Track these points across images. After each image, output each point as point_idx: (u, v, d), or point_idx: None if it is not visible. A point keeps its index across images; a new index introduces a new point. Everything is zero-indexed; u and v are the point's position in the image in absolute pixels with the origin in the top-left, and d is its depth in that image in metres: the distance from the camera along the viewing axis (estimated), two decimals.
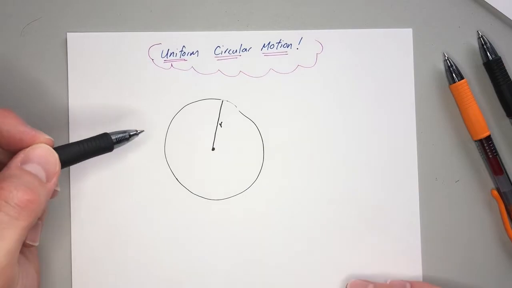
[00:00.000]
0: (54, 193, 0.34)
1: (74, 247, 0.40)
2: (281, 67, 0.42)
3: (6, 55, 0.40)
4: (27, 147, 0.32)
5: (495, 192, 0.43)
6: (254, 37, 0.42)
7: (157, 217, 0.41)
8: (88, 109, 0.40)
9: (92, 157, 0.36)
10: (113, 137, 0.37)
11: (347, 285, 0.41)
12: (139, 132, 0.39)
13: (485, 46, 0.43)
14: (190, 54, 0.41)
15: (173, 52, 0.41)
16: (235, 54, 0.42)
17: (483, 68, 0.43)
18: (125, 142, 0.38)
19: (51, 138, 0.33)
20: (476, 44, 0.43)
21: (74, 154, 0.35)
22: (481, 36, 0.43)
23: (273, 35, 0.42)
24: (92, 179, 0.40)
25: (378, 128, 0.43)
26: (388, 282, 0.41)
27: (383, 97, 0.43)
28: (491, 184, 0.44)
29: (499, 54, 0.43)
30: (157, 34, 0.41)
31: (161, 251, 0.41)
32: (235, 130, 0.42)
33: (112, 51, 0.41)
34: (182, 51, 0.41)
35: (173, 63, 0.41)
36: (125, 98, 0.41)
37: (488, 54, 0.43)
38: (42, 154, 0.32)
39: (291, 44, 0.42)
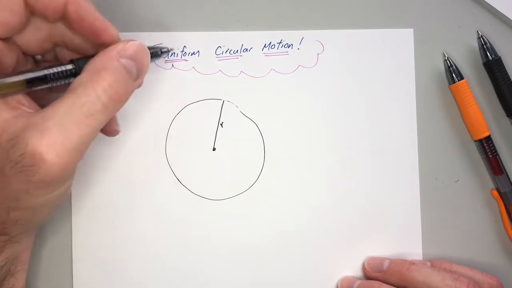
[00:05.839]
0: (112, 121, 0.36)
1: (75, 247, 0.40)
2: (282, 67, 0.42)
3: None
4: (98, 35, 0.33)
5: (495, 192, 0.43)
6: (255, 37, 0.42)
7: (158, 217, 0.41)
8: None
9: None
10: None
11: (338, 283, 0.42)
12: (169, 50, 0.39)
13: (485, 46, 0.43)
14: (191, 54, 0.41)
15: (174, 52, 0.41)
16: (236, 54, 0.42)
17: (483, 68, 0.43)
18: (156, 58, 0.38)
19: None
20: (476, 44, 0.44)
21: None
22: (481, 36, 0.43)
23: (274, 35, 0.42)
24: (93, 179, 0.40)
25: (379, 128, 0.43)
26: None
27: (384, 97, 0.43)
28: (491, 184, 0.44)
29: (499, 54, 0.43)
30: (157, 34, 0.41)
31: (161, 250, 0.41)
32: (236, 130, 0.42)
33: None
34: (183, 51, 0.41)
35: (174, 63, 0.41)
36: None
37: (488, 54, 0.43)
38: (137, 51, 0.33)
39: (292, 44, 0.42)
